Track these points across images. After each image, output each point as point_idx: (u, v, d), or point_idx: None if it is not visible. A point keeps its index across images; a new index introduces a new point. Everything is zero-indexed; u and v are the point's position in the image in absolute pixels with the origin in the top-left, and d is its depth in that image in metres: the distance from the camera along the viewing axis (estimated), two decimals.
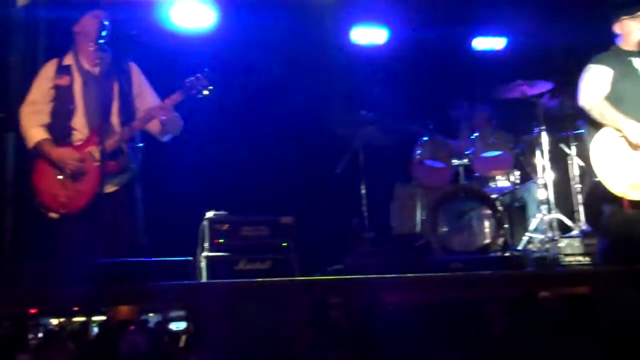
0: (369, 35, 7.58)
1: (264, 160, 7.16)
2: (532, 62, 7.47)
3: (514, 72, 6.76)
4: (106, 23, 4.55)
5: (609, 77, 4.98)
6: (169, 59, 6.61)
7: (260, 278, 5.43)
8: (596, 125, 4.95)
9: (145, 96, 4.92)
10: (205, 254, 5.91)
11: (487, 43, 7.88)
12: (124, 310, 3.93)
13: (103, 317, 3.88)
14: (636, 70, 5.04)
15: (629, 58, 5.07)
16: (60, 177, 4.55)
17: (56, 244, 4.60)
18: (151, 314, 3.97)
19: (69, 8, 6.35)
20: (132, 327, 3.75)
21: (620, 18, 5.13)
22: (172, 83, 5.12)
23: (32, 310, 3.71)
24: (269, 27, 7.05)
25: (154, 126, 4.86)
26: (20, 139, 6.10)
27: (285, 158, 7.22)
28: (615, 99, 4.92)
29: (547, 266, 5.57)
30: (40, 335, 3.74)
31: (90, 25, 4.69)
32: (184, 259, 5.70)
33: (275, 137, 7.19)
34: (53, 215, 4.53)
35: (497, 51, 7.89)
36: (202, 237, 6.03)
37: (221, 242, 5.94)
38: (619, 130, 4.84)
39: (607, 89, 4.97)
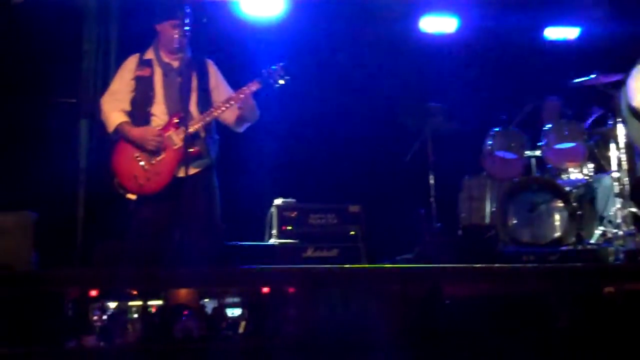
0: (438, 24, 7.48)
1: (333, 149, 7.17)
2: (607, 52, 7.25)
3: (588, 63, 6.60)
4: (186, 27, 4.62)
5: None
6: (239, 48, 6.68)
7: (327, 265, 5.46)
8: None
9: (221, 90, 5.02)
10: (272, 240, 5.94)
11: (560, 33, 7.71)
12: (183, 294, 3.97)
13: (159, 302, 3.92)
14: None
15: None
16: (140, 158, 4.64)
17: (131, 226, 4.69)
18: (206, 299, 3.99)
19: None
20: (185, 312, 3.78)
21: None
22: (243, 71, 5.17)
23: (93, 293, 3.77)
24: (338, 15, 7.04)
25: (230, 116, 4.94)
26: (93, 124, 6.33)
27: (353, 147, 7.19)
28: None
29: (618, 260, 5.45)
30: (104, 317, 3.80)
31: (170, 34, 4.83)
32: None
33: (344, 125, 7.17)
34: (131, 196, 4.63)
35: (570, 41, 7.71)
36: (270, 224, 6.07)
37: (289, 229, 5.97)
38: None
39: None
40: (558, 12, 7.57)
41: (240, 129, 5.06)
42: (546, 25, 7.67)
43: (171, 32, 4.79)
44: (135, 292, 3.89)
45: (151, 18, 4.99)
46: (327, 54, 7.25)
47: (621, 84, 6.25)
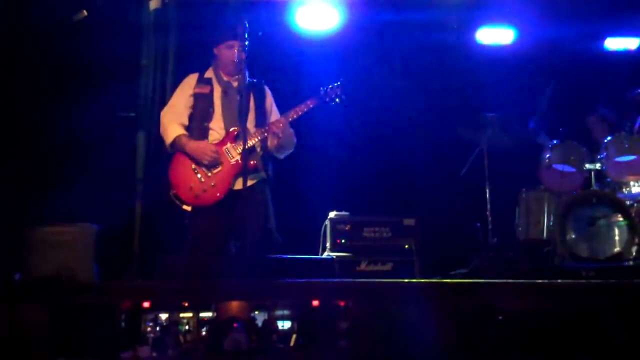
0: (495, 35, 7.41)
1: (388, 161, 7.15)
2: None
3: None
4: (245, 48, 4.67)
5: None
6: (295, 62, 6.73)
7: (381, 279, 5.43)
8: None
9: (274, 116, 5.14)
10: (327, 253, 5.94)
11: (620, 43, 7.55)
12: (234, 307, 3.99)
13: (210, 314, 3.94)
14: None
15: None
16: (197, 170, 4.71)
17: (188, 238, 4.75)
18: (257, 312, 4.00)
19: (198, 11, 6.63)
20: (235, 325, 3.80)
21: None
22: (298, 86, 5.23)
23: (146, 304, 3.82)
24: (394, 27, 7.02)
25: (270, 143, 4.98)
26: (150, 137, 6.43)
27: (409, 159, 7.16)
28: None
29: None
30: (157, 329, 3.84)
31: (226, 56, 4.96)
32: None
33: (400, 138, 7.16)
34: (186, 207, 4.72)
35: (632, 51, 7.55)
36: (325, 237, 6.08)
37: (343, 242, 5.96)
38: None
39: None
40: (618, 23, 7.42)
41: (280, 156, 5.11)
42: (606, 36, 7.53)
43: (228, 54, 4.86)
44: (186, 304, 3.93)
45: (209, 39, 5.08)
46: (383, 66, 7.26)
47: None
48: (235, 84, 4.93)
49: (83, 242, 4.33)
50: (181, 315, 3.92)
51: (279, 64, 5.81)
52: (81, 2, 6.30)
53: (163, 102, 6.22)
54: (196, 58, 5.34)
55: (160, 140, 6.17)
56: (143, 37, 6.67)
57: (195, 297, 3.89)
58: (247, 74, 4.93)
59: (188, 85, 5.04)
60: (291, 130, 4.96)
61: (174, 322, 3.90)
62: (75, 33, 6.25)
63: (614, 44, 7.55)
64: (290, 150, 5.14)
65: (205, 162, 4.71)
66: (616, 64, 7.50)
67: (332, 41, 6.99)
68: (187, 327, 3.90)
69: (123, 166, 6.31)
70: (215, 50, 5.04)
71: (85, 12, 6.29)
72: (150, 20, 6.70)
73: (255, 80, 5.11)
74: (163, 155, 5.10)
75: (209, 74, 5.06)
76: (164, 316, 3.90)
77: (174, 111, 4.98)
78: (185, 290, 3.85)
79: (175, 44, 6.75)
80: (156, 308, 3.88)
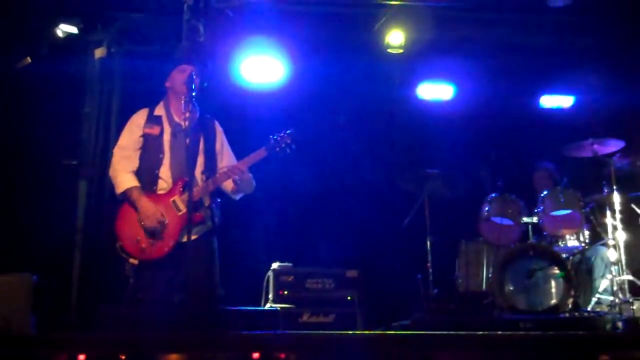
0: (435, 91, 7.62)
1: (331, 213, 7.21)
2: (602, 120, 7.35)
3: (583, 131, 6.67)
4: (194, 76, 4.64)
5: None
6: (240, 113, 6.76)
7: (324, 331, 5.43)
8: None
9: (225, 155, 5.05)
10: (269, 305, 5.92)
11: (555, 101, 7.84)
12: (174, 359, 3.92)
13: None
14: None
15: None
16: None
17: (128, 287, 4.66)
18: None
19: (144, 59, 6.64)
20: None
21: None
22: (245, 136, 5.23)
23: (81, 357, 3.72)
24: (337, 81, 7.15)
25: (228, 185, 4.94)
26: (91, 186, 6.36)
27: (352, 211, 7.22)
28: None
29: (615, 329, 5.42)
30: None
31: (179, 80, 4.83)
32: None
33: (343, 190, 7.23)
34: (133, 261, 4.60)
35: (566, 109, 7.84)
36: (267, 288, 6.06)
37: (286, 294, 5.96)
38: None
39: None
40: (552, 81, 7.71)
41: (236, 198, 5.06)
42: (542, 94, 7.80)
43: (181, 77, 4.76)
44: (123, 357, 3.83)
45: (160, 75, 5.03)
46: (326, 120, 7.35)
47: (618, 153, 6.35)
48: (185, 123, 4.65)
49: (20, 292, 4.24)
50: None
51: (226, 115, 5.82)
52: (26, 50, 6.26)
53: (107, 149, 6.21)
54: (143, 104, 5.29)
55: (102, 189, 6.15)
56: (87, 85, 6.65)
57: (134, 350, 3.81)
58: (197, 110, 4.86)
59: (137, 126, 4.90)
60: (249, 175, 4.90)
61: None
62: (19, 80, 6.20)
63: (549, 101, 7.84)
64: (248, 193, 5.07)
65: (148, 227, 4.62)
66: (552, 120, 7.76)
67: (277, 94, 7.07)
68: None
69: (63, 215, 6.22)
70: (167, 83, 4.95)
71: (29, 59, 6.25)
72: (95, 68, 6.69)
73: (207, 117, 5.02)
74: (105, 205, 5.02)
75: (159, 111, 4.95)
76: None
77: (125, 154, 4.84)
78: (123, 342, 3.77)
79: (120, 89, 6.73)
80: None
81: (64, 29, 6.45)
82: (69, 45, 6.51)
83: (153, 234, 4.63)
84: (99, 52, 6.69)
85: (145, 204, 4.65)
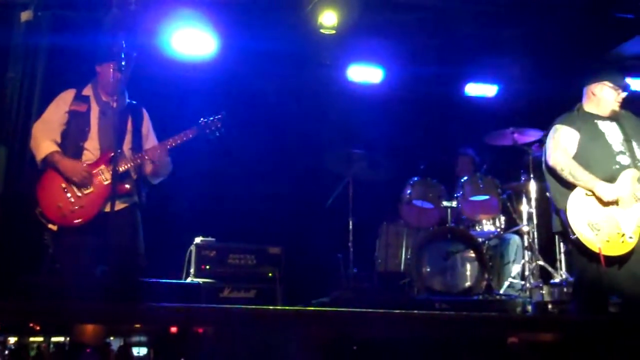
0: (365, 73, 7.69)
1: (256, 190, 7.21)
2: (523, 110, 7.59)
3: (504, 119, 6.88)
4: (122, 69, 4.62)
5: (576, 140, 4.82)
6: (171, 88, 6.69)
7: (244, 306, 5.47)
8: (567, 185, 4.86)
9: (150, 139, 5.06)
10: (190, 279, 5.93)
11: (480, 89, 8.04)
12: (88, 331, 3.90)
13: (62, 338, 3.84)
14: (602, 134, 4.84)
15: (595, 121, 4.90)
16: (67, 189, 4.58)
17: (46, 256, 4.61)
18: (112, 337, 3.93)
19: (72, 25, 6.50)
20: (88, 350, 3.72)
21: (602, 82, 4.94)
22: (174, 111, 5.21)
23: None
24: (268, 59, 7.14)
25: (147, 167, 4.95)
26: (12, 152, 6.21)
27: (277, 188, 7.26)
28: (581, 160, 4.75)
29: (525, 312, 5.66)
30: (6, 352, 3.70)
31: (109, 73, 4.80)
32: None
33: (268, 166, 7.25)
34: (52, 226, 4.54)
35: (489, 98, 8.05)
36: (189, 262, 6.07)
37: (207, 268, 5.98)
38: (590, 190, 4.75)
39: (574, 150, 4.81)
40: (478, 70, 7.89)
41: (154, 182, 5.06)
42: (467, 82, 7.98)
43: (108, 73, 4.79)
44: (37, 327, 3.79)
45: (88, 56, 4.98)
46: (256, 97, 7.34)
47: (537, 143, 6.57)
48: (114, 104, 4.78)
49: None
50: (31, 339, 3.78)
51: (156, 89, 5.76)
52: None
53: (29, 115, 6.07)
54: (69, 73, 5.19)
55: (22, 155, 6.01)
56: (11, 49, 6.47)
57: (47, 320, 3.76)
58: (126, 95, 4.89)
59: (63, 102, 4.86)
60: (168, 158, 4.90)
61: (23, 346, 3.75)
62: None
63: (474, 89, 8.03)
64: (165, 177, 5.09)
65: (76, 181, 4.58)
66: (475, 108, 7.95)
67: (207, 68, 7.03)
68: (36, 352, 3.76)
69: None
70: (98, 68, 4.92)
71: (30, 14, 6.06)
72: (21, 32, 6.51)
73: (135, 103, 5.03)
74: (27, 171, 4.92)
75: (87, 91, 4.91)
76: (12, 339, 3.75)
77: (48, 127, 4.79)
78: (37, 312, 3.72)
79: (46, 58, 6.57)
80: (5, 331, 3.72)
81: None
82: None
83: (81, 187, 4.60)
84: (25, 15, 6.49)
85: (69, 161, 4.63)
